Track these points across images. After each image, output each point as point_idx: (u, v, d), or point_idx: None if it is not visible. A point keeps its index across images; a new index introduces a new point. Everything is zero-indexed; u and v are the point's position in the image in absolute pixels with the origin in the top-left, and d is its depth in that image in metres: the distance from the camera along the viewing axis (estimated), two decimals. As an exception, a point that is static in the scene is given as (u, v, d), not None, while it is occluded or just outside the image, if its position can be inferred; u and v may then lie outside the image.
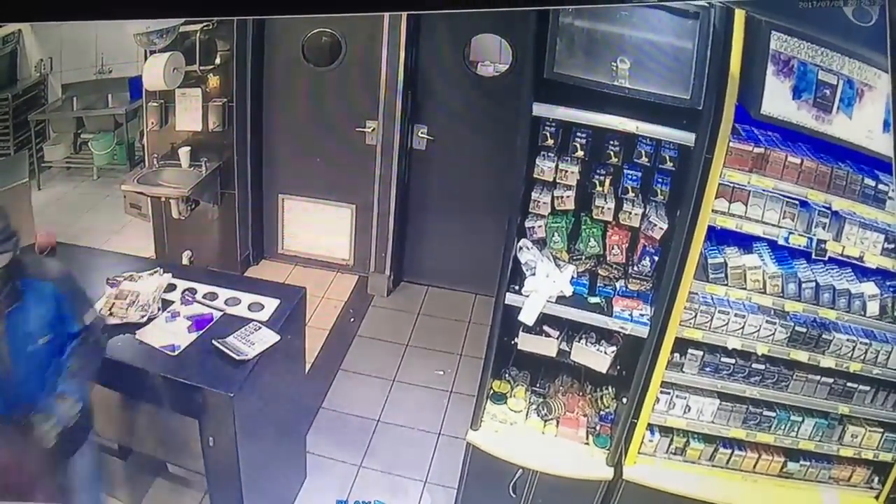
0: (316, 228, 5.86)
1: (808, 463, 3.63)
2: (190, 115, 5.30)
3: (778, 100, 2.99)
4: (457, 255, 5.67)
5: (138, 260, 4.05)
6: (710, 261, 3.32)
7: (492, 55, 5.51)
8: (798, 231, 3.23)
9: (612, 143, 3.35)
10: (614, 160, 3.37)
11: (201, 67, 5.16)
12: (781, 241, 3.24)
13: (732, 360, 3.46)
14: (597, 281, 3.59)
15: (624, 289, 3.55)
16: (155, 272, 3.69)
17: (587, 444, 3.76)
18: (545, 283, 3.47)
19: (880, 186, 3.12)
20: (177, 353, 3.27)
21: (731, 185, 3.17)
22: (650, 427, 3.64)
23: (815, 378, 3.45)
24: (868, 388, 3.45)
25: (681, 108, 3.09)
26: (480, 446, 3.71)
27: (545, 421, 3.80)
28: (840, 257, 3.25)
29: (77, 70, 7.44)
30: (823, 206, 3.17)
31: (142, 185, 5.22)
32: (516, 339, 3.68)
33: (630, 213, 3.38)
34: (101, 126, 7.49)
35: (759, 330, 3.37)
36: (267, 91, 5.56)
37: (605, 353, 3.58)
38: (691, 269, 3.25)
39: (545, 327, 3.63)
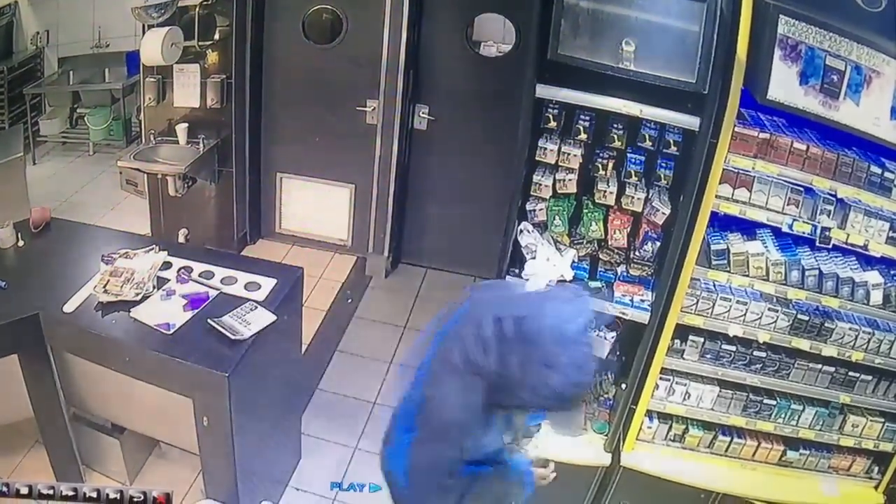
0: (314, 208, 5.84)
1: (807, 452, 3.63)
2: (188, 92, 5.24)
3: (784, 85, 2.93)
4: (456, 236, 5.65)
5: (134, 237, 4.01)
6: (712, 247, 3.28)
7: (495, 35, 5.47)
8: (802, 218, 3.18)
9: (615, 126, 3.30)
10: (618, 144, 3.32)
11: (200, 43, 5.10)
12: (785, 228, 3.19)
13: (733, 348, 3.44)
14: (598, 265, 3.55)
15: (625, 274, 3.51)
16: (150, 250, 3.65)
17: (585, 429, 3.75)
18: (545, 266, 3.43)
19: (886, 174, 3.07)
20: (172, 331, 3.23)
21: (736, 170, 3.12)
22: (649, 413, 3.63)
23: (817, 367, 3.43)
24: (870, 377, 3.43)
25: (686, 91, 3.03)
26: (477, 430, 3.68)
27: (542, 406, 3.78)
28: (844, 245, 3.21)
29: (74, 44, 7.41)
30: (828, 194, 3.12)
31: (138, 161, 5.17)
32: (515, 323, 3.64)
33: (633, 197, 3.33)
34: (97, 101, 7.48)
35: (760, 317, 3.34)
36: (266, 68, 5.51)
37: (605, 338, 3.54)
38: (693, 254, 3.21)
39: (544, 311, 3.59)
